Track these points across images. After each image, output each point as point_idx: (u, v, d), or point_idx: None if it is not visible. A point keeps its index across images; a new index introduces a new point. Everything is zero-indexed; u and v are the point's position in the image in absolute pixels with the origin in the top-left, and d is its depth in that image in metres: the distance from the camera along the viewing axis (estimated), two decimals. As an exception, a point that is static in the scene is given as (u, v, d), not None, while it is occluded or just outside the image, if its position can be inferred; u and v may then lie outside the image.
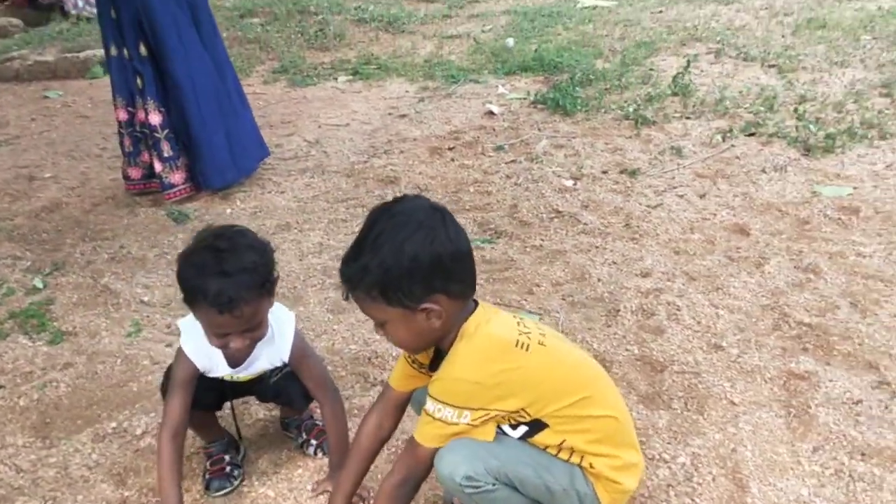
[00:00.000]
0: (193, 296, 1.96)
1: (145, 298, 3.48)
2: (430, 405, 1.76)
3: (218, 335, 2.03)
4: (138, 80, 4.22)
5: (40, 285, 3.64)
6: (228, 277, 1.92)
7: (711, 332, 2.96)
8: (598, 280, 3.37)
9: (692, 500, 2.20)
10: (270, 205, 4.42)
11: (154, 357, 3.04)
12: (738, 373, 2.72)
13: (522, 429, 1.81)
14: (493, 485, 1.75)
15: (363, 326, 3.19)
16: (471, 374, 1.71)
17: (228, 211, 4.37)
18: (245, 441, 2.56)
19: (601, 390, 1.87)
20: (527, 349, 1.75)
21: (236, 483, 2.36)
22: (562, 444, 1.81)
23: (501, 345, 1.75)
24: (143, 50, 4.16)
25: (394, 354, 2.99)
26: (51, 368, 3.03)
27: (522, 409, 1.75)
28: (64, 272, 3.76)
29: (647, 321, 3.06)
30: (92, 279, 3.68)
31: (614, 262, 3.51)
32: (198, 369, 2.17)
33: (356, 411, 2.68)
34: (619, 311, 3.12)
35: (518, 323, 1.81)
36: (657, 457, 2.35)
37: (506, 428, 1.82)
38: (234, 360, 2.20)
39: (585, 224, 3.88)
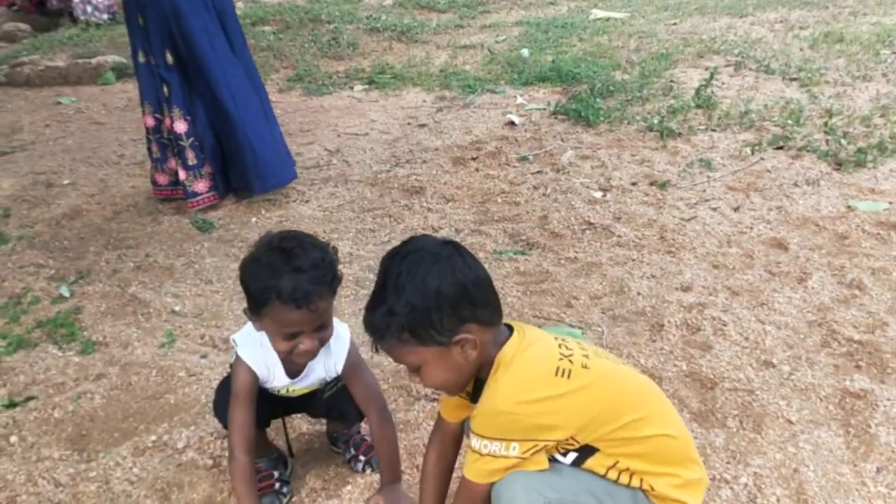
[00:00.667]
0: (267, 296, 1.92)
1: (176, 308, 3.42)
2: (475, 442, 1.70)
3: (288, 337, 1.99)
4: (165, 88, 4.17)
5: (66, 294, 3.58)
6: (302, 273, 1.90)
7: (760, 348, 2.91)
8: (638, 294, 3.32)
9: (758, 521, 2.15)
10: (296, 214, 4.36)
11: (190, 369, 2.97)
12: (792, 391, 2.67)
13: (572, 455, 1.75)
14: None
15: (401, 339, 3.13)
16: (510, 406, 1.64)
17: (254, 220, 4.31)
18: (292, 458, 2.50)
19: (654, 409, 1.79)
20: (568, 375, 1.67)
21: (285, 500, 2.30)
22: (615, 465, 1.74)
23: (540, 374, 1.68)
24: (169, 58, 4.11)
25: (435, 368, 2.93)
26: (83, 379, 2.96)
27: (571, 437, 1.69)
28: (89, 281, 3.70)
29: (693, 336, 3.01)
30: (119, 288, 3.62)
31: (653, 276, 3.46)
32: (258, 379, 2.12)
33: (401, 426, 2.62)
34: (662, 325, 3.07)
35: (560, 345, 1.74)
36: (718, 477, 2.30)
37: (556, 455, 1.75)
38: (293, 370, 2.16)
39: (619, 236, 3.83)
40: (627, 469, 1.74)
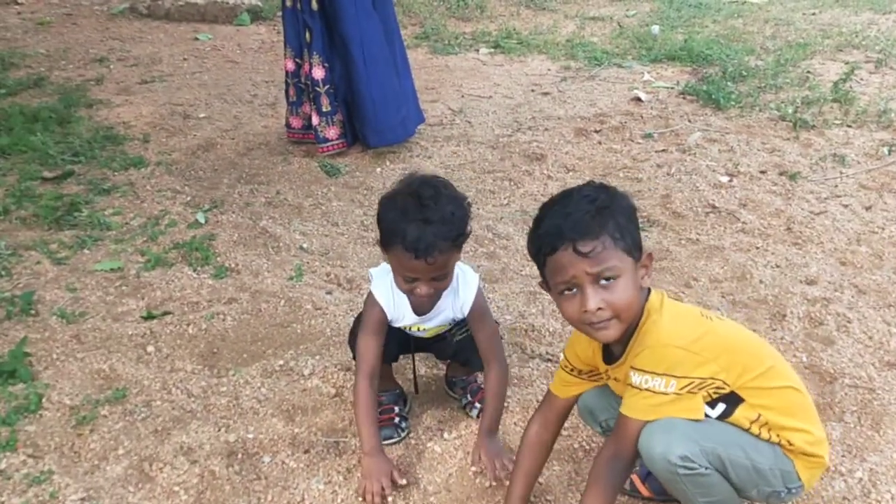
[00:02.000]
0: (392, 238, 2.05)
1: (304, 245, 3.56)
2: (635, 378, 1.75)
3: (407, 279, 2.11)
4: (307, 34, 4.28)
5: (202, 220, 3.76)
6: (428, 225, 2.01)
7: (884, 349, 2.86)
8: (761, 282, 3.28)
9: (871, 516, 2.14)
10: (419, 169, 4.44)
11: (316, 303, 3.11)
12: (915, 394, 2.62)
13: (721, 406, 1.80)
14: (707, 468, 1.73)
15: (517, 298, 3.20)
16: (676, 340, 1.72)
17: (378, 170, 4.42)
18: (411, 396, 2.60)
19: (780, 362, 1.91)
20: (710, 319, 1.82)
21: (403, 434, 2.41)
22: (758, 418, 1.80)
23: (691, 315, 1.82)
24: (314, 4, 4.22)
25: (550, 329, 2.99)
26: (216, 301, 3.13)
27: (720, 379, 1.74)
28: (223, 210, 3.88)
29: (816, 330, 2.97)
30: (251, 220, 3.79)
31: (777, 266, 3.41)
32: (386, 315, 2.25)
33: (515, 381, 2.69)
34: (784, 315, 3.04)
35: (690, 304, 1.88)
36: (833, 468, 2.29)
37: (706, 408, 1.80)
38: (420, 308, 2.27)
39: (744, 223, 3.78)
40: (767, 423, 1.81)
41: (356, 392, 2.22)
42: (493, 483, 2.23)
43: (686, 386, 1.72)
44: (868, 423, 2.49)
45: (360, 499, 2.17)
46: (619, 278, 1.69)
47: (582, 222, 1.67)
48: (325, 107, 4.40)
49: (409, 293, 2.16)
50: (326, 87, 4.36)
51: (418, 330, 2.35)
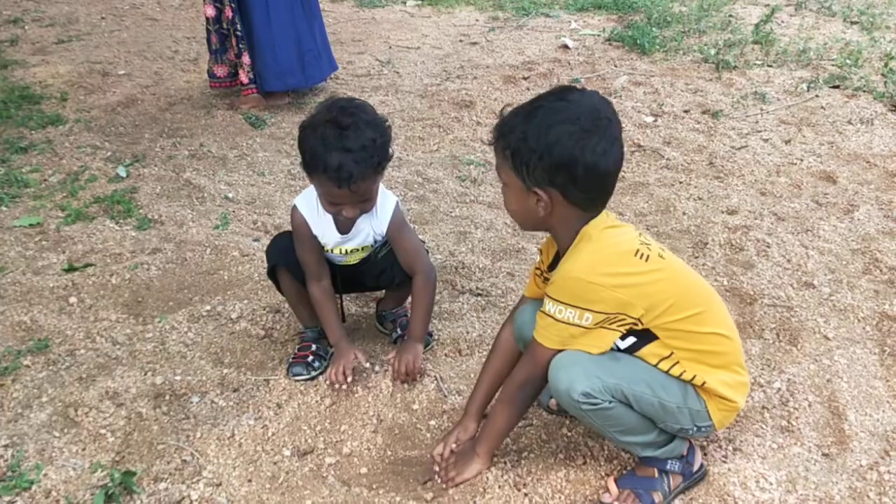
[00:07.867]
0: (315, 166, 2.07)
1: (230, 195, 3.51)
2: (549, 306, 1.76)
3: (332, 203, 2.15)
4: None
5: (123, 174, 3.67)
6: (349, 154, 2.02)
7: (802, 270, 2.94)
8: (684, 213, 3.35)
9: (789, 422, 2.21)
10: (336, 93, 4.40)
11: (243, 250, 3.07)
12: (831, 310, 2.70)
13: (631, 339, 1.80)
14: (610, 402, 1.75)
15: (448, 238, 3.20)
16: (588, 275, 1.70)
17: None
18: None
19: (714, 308, 1.86)
20: (646, 259, 1.73)
21: (315, 373, 2.39)
22: (670, 356, 1.79)
23: (621, 250, 1.74)
24: None
25: (479, 266, 3.01)
26: (140, 252, 3.07)
27: (636, 317, 1.74)
28: (145, 164, 3.79)
29: (736, 255, 3.04)
30: (174, 173, 3.71)
31: (699, 198, 3.48)
32: (310, 227, 2.28)
33: (445, 315, 2.71)
34: (706, 244, 3.11)
35: (640, 234, 1.80)
36: (752, 381, 2.35)
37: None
38: (342, 227, 2.29)
39: (668, 159, 3.84)
40: (679, 363, 1.80)
41: (311, 296, 2.36)
42: (396, 382, 2.35)
43: (601, 321, 1.73)
44: (786, 339, 2.57)
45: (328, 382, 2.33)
46: (505, 187, 1.81)
47: (496, 126, 1.78)
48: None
49: (336, 214, 2.21)
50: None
51: (342, 253, 2.35)
